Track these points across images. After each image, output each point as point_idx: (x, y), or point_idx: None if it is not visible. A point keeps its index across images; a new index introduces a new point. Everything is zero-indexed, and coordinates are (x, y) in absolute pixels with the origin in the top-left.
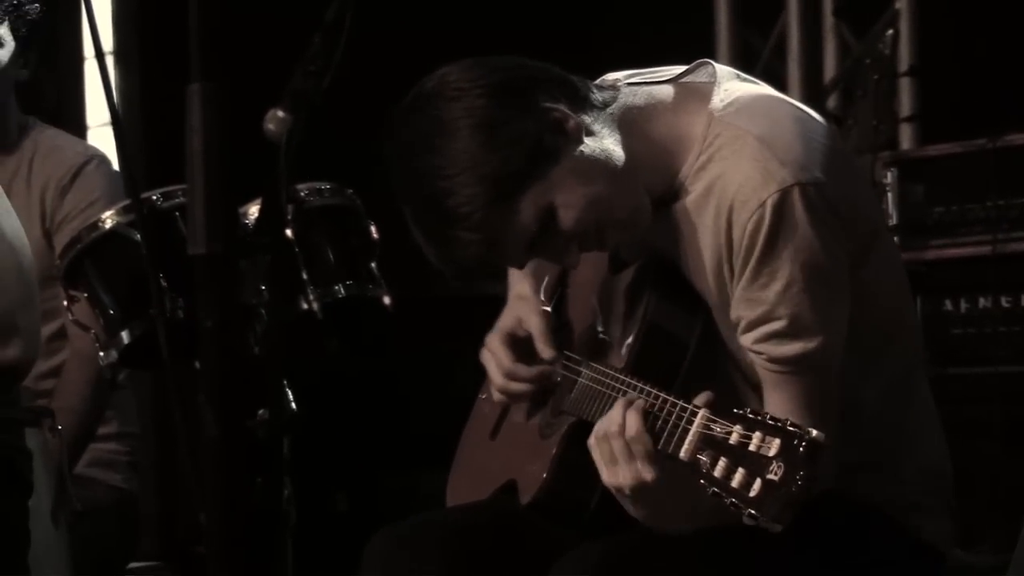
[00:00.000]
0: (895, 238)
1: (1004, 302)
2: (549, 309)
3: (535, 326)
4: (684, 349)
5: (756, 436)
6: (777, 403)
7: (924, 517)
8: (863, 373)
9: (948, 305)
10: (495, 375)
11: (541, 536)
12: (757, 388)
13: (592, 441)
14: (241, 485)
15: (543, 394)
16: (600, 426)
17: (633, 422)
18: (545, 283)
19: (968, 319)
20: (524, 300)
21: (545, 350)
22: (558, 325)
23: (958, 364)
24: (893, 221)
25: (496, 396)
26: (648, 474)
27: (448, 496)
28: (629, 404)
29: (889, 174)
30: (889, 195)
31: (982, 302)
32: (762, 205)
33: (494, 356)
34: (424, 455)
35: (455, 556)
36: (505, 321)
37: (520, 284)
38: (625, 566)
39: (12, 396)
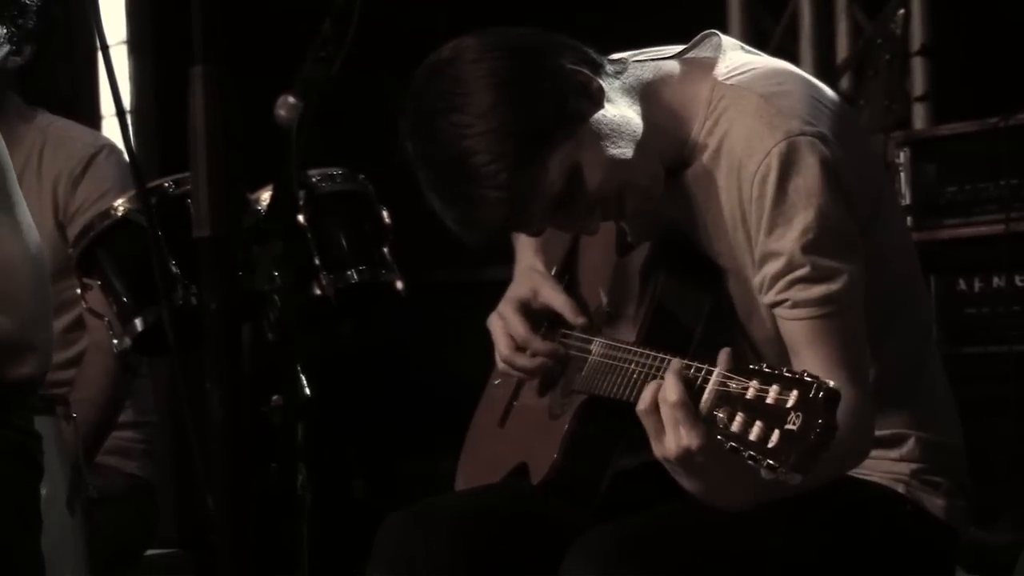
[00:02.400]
0: (908, 218)
1: (1018, 281)
2: (557, 284)
3: (558, 299)
4: (693, 327)
5: (773, 390)
6: (806, 353)
7: (937, 495)
8: (876, 342)
9: (962, 284)
10: (503, 344)
11: (554, 518)
12: (764, 359)
13: (640, 409)
14: (249, 468)
15: (552, 376)
16: (645, 396)
17: (673, 388)
18: (554, 269)
19: (982, 298)
20: (538, 272)
21: (577, 319)
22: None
23: (972, 343)
24: (906, 201)
25: (501, 366)
26: (693, 440)
27: (458, 484)
28: (675, 373)
29: (902, 154)
30: (902, 175)
31: (996, 281)
32: (768, 154)
33: (507, 324)
34: (442, 441)
35: (468, 538)
36: (519, 290)
37: (531, 257)
38: (640, 548)
39: None
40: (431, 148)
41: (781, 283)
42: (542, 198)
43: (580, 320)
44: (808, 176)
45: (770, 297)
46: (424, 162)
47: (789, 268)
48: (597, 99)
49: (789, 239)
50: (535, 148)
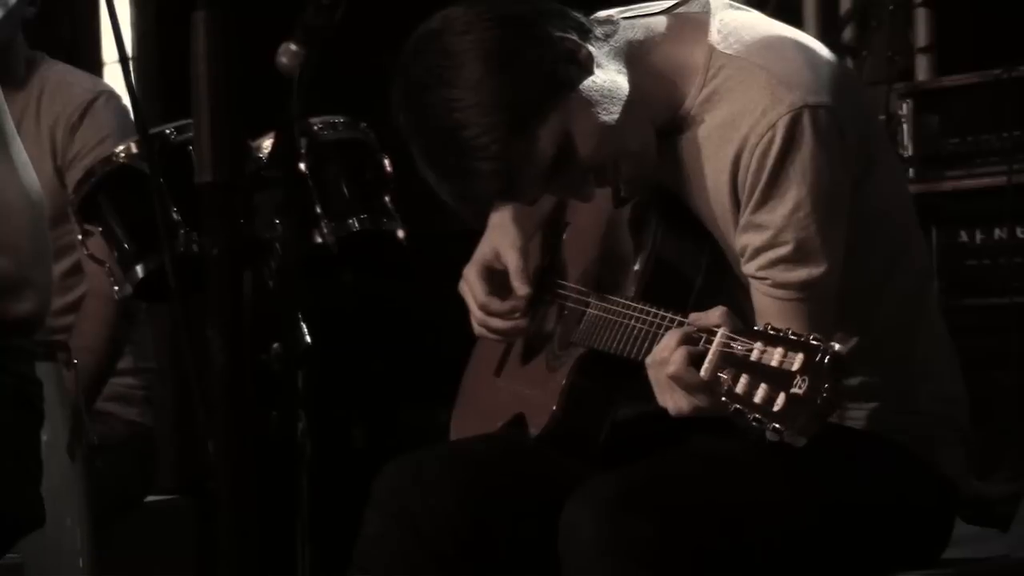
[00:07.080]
0: (910, 169)
1: (1020, 233)
2: (521, 245)
3: (511, 261)
4: (692, 279)
5: (778, 352)
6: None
7: (938, 448)
8: (874, 292)
9: (963, 236)
10: (473, 309)
11: (553, 467)
12: None
13: (649, 362)
14: (249, 415)
15: (543, 328)
16: (655, 352)
17: (677, 358)
18: (544, 218)
19: (983, 250)
20: (501, 229)
21: (520, 287)
22: (561, 259)
23: (974, 295)
24: (908, 152)
25: (477, 330)
26: (695, 402)
27: (452, 433)
28: (679, 338)
29: (904, 105)
30: (904, 126)
31: (997, 233)
32: (773, 127)
33: (470, 289)
34: (442, 390)
35: (467, 487)
36: (482, 251)
37: (502, 213)
38: (641, 497)
39: None
40: (422, 123)
41: (763, 259)
42: (535, 168)
43: (524, 289)
44: (808, 150)
45: (750, 269)
46: (416, 137)
47: (773, 243)
48: (586, 66)
49: (779, 213)
50: (525, 119)
